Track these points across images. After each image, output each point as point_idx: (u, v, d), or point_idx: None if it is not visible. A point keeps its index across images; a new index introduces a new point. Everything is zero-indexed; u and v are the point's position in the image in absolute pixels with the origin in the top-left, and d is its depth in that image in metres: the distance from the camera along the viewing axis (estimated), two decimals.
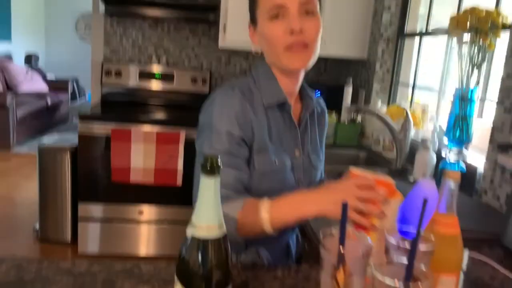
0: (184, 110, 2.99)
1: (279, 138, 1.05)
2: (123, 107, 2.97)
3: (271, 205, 0.89)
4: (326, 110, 1.23)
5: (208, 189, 0.65)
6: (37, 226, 2.81)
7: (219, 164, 0.66)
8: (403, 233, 0.68)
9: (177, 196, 2.67)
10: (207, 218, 0.66)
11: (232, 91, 1.01)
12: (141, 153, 2.52)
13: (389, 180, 0.84)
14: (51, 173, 2.66)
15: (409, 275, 0.49)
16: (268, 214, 0.88)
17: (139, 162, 2.53)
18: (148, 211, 2.71)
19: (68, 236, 2.76)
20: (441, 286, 0.73)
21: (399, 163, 2.00)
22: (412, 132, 2.11)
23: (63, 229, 2.74)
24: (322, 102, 1.21)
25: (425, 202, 0.64)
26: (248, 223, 0.90)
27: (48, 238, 2.78)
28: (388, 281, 0.49)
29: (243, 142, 0.99)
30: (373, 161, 2.35)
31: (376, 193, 0.81)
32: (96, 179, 2.60)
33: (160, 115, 2.86)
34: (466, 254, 1.10)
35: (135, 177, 2.54)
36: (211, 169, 0.65)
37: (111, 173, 2.51)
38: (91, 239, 2.70)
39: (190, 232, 0.67)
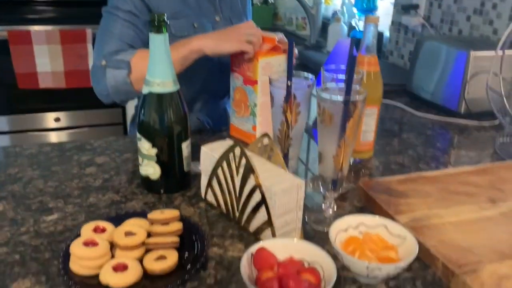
0: (84, 6, 2.73)
1: (196, 3, 1.06)
2: (10, 6, 2.63)
3: None
4: None
5: (158, 45, 0.67)
6: None
7: (166, 20, 0.67)
8: (334, 71, 0.76)
9: (96, 98, 2.56)
10: (162, 74, 0.69)
11: None
12: (46, 56, 2.34)
13: (274, 36, 0.92)
14: None
15: (349, 89, 0.58)
16: None
17: (46, 65, 2.35)
18: (65, 118, 2.60)
19: None
20: (367, 116, 0.86)
21: (313, 38, 2.09)
22: (323, 8, 2.19)
23: None
24: None
25: (352, 40, 0.72)
26: (140, 68, 0.90)
27: None
28: (333, 98, 0.58)
29: (145, 6, 1.00)
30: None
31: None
32: (1, 89, 2.39)
33: (57, 12, 2.60)
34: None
35: (45, 83, 2.38)
36: (159, 25, 0.67)
37: (17, 80, 2.32)
38: None
39: (146, 89, 0.70)
